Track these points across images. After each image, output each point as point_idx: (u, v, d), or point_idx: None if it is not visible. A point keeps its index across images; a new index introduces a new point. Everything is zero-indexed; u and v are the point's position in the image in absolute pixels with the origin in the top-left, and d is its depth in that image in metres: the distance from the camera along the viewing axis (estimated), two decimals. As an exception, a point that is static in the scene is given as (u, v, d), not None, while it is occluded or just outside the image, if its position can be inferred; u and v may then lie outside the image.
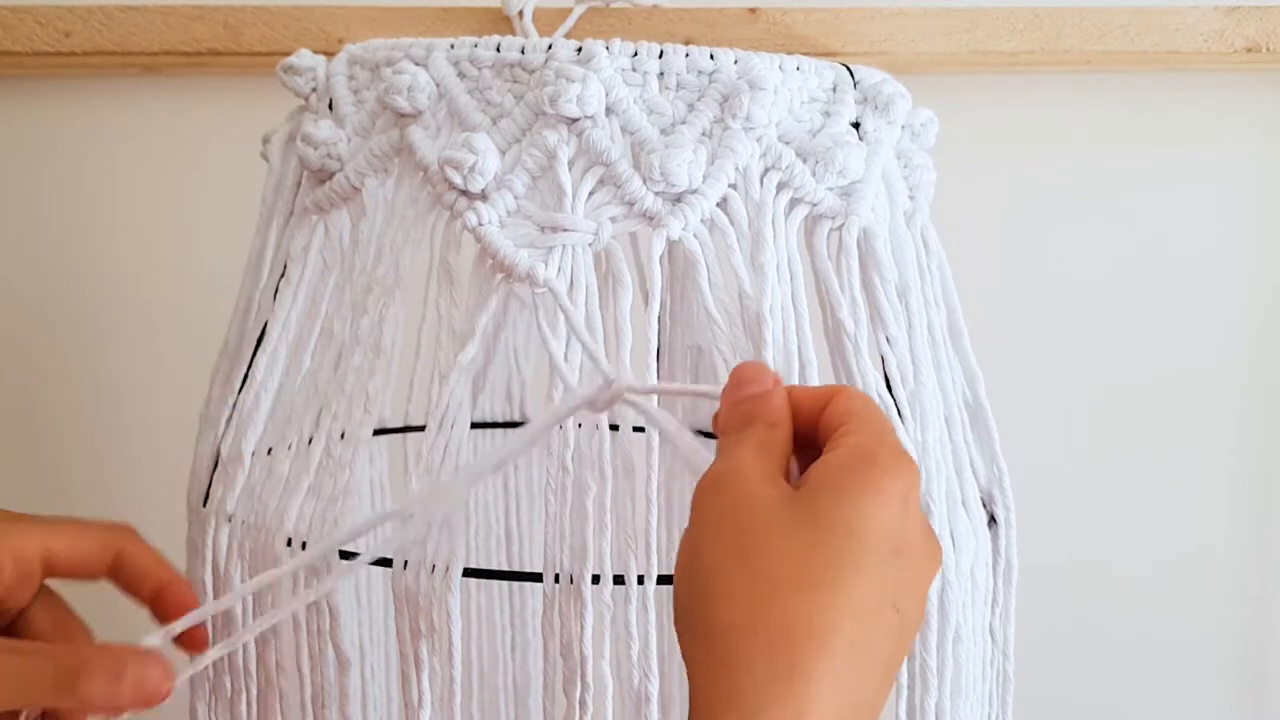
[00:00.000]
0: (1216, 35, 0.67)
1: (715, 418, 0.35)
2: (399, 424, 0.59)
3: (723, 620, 0.30)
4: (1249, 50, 0.67)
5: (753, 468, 0.32)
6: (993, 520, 0.49)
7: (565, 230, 0.39)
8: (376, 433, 0.56)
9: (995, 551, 0.48)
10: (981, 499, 0.48)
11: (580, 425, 0.39)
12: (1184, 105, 0.72)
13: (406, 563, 0.39)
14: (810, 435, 0.34)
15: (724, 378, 0.42)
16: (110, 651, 0.34)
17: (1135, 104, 0.72)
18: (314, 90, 0.47)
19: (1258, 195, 0.74)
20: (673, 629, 0.33)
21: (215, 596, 0.45)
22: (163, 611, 0.38)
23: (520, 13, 0.58)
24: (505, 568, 0.64)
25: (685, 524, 0.67)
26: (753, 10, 0.64)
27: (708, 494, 0.32)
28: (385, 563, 0.42)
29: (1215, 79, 0.72)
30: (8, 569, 0.34)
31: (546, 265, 0.39)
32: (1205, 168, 0.73)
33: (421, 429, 0.63)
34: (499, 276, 0.39)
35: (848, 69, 0.45)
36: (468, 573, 0.39)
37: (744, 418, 0.33)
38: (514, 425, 0.62)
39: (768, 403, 0.33)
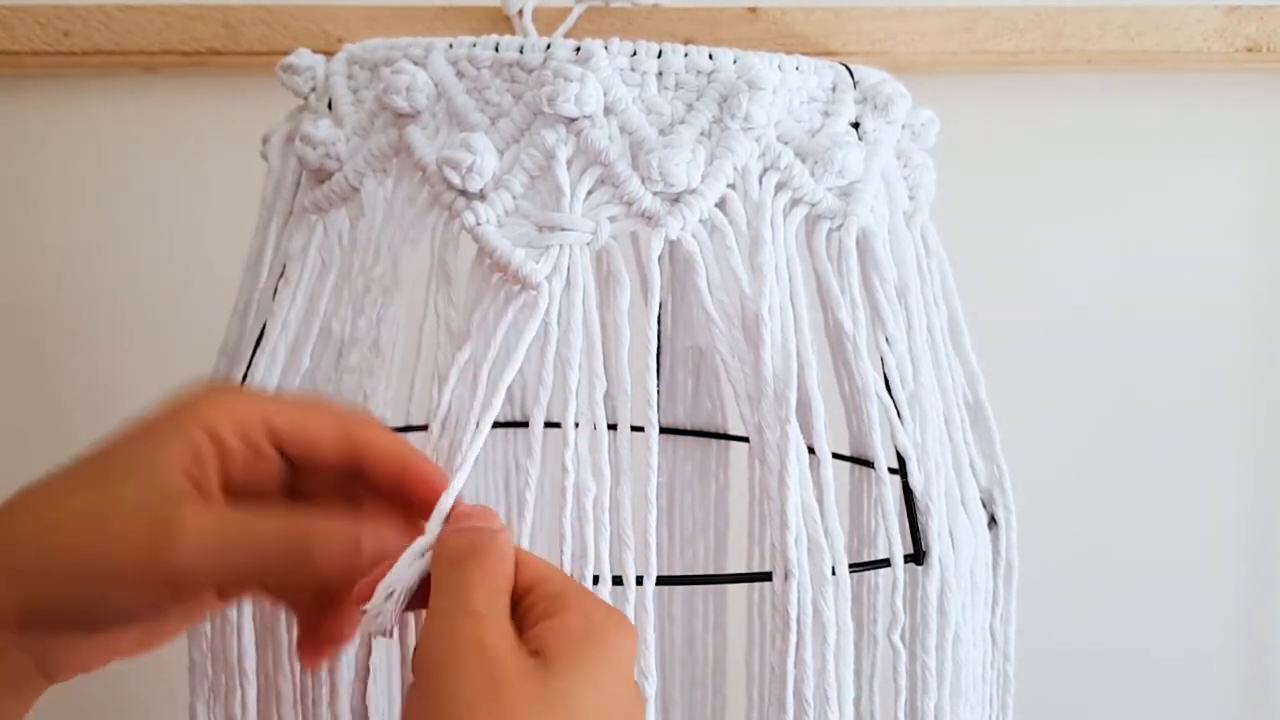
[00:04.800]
0: (1216, 35, 0.67)
1: (434, 545, 0.32)
2: (399, 423, 0.59)
3: None
4: (1249, 50, 0.67)
5: (493, 627, 0.29)
6: (993, 521, 0.49)
7: (563, 230, 0.39)
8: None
9: (995, 552, 0.48)
10: (982, 500, 0.48)
11: (578, 425, 0.39)
12: (1184, 105, 0.72)
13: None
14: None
15: (724, 378, 0.42)
16: (345, 522, 0.32)
17: (1135, 104, 0.72)
18: (313, 90, 0.47)
19: (1258, 195, 0.73)
20: (672, 630, 0.33)
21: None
22: (408, 497, 0.34)
23: (520, 12, 0.58)
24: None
25: (685, 524, 0.67)
26: (752, 10, 0.64)
27: (448, 667, 0.28)
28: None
29: (1215, 79, 0.72)
30: (229, 437, 0.32)
31: (542, 264, 0.39)
32: (1205, 167, 0.73)
33: (422, 429, 0.63)
34: (497, 276, 0.39)
35: (847, 69, 0.45)
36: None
37: (469, 546, 0.31)
38: (514, 425, 0.62)
39: (496, 535, 0.31)
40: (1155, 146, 0.72)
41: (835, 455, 0.44)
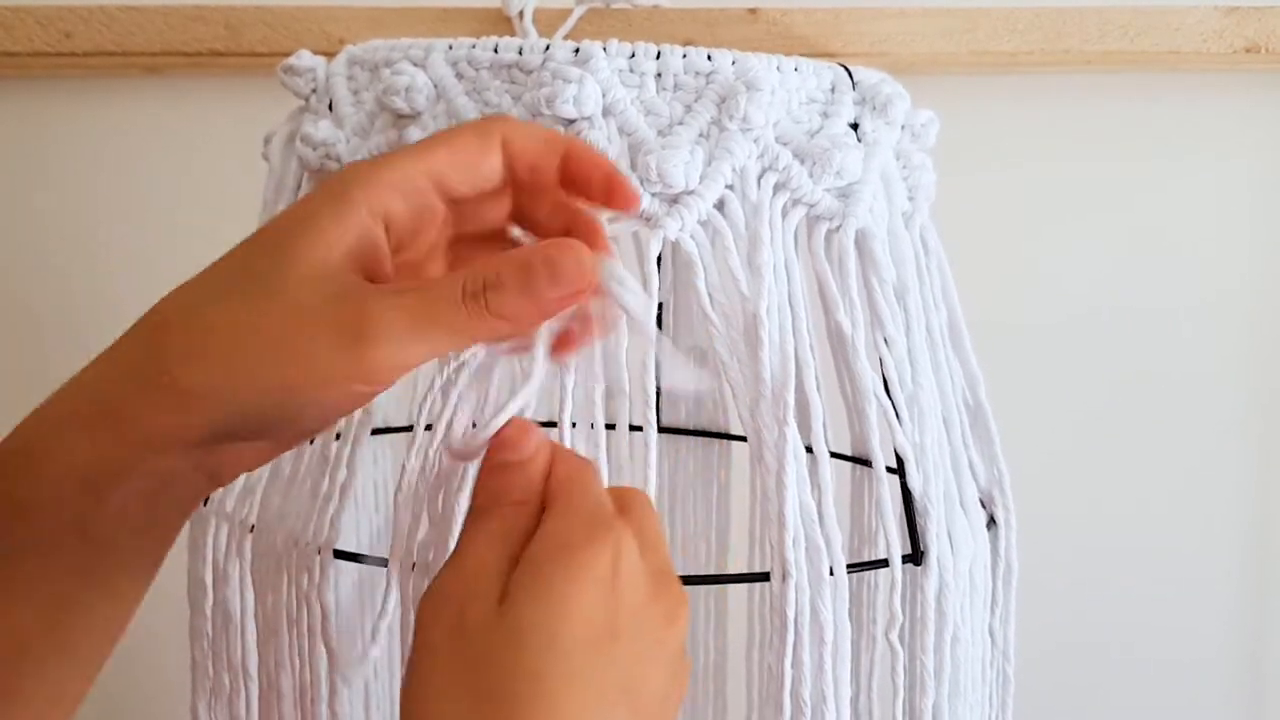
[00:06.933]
0: (1216, 35, 0.67)
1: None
2: (403, 423, 0.59)
3: None
4: (1249, 50, 0.67)
5: (478, 574, 0.30)
6: (992, 521, 0.49)
7: (563, 231, 0.39)
8: (379, 432, 0.56)
9: (995, 553, 0.48)
10: (981, 500, 0.48)
11: (575, 425, 0.39)
12: (1184, 105, 0.72)
13: (414, 565, 0.39)
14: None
15: (724, 377, 0.42)
16: (513, 260, 0.30)
17: (1135, 104, 0.72)
18: (314, 91, 0.47)
19: (1257, 195, 0.73)
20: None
21: (215, 598, 0.45)
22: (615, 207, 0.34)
23: (520, 13, 0.58)
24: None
25: (686, 524, 0.67)
26: (752, 10, 0.64)
27: (428, 614, 0.30)
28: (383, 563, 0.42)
29: (1215, 79, 0.72)
30: (400, 213, 0.31)
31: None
32: (1205, 168, 0.73)
33: (428, 429, 0.63)
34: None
35: (846, 69, 0.45)
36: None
37: (491, 495, 0.32)
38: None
39: (514, 478, 0.32)
40: (1155, 146, 0.72)
41: (836, 455, 0.44)
